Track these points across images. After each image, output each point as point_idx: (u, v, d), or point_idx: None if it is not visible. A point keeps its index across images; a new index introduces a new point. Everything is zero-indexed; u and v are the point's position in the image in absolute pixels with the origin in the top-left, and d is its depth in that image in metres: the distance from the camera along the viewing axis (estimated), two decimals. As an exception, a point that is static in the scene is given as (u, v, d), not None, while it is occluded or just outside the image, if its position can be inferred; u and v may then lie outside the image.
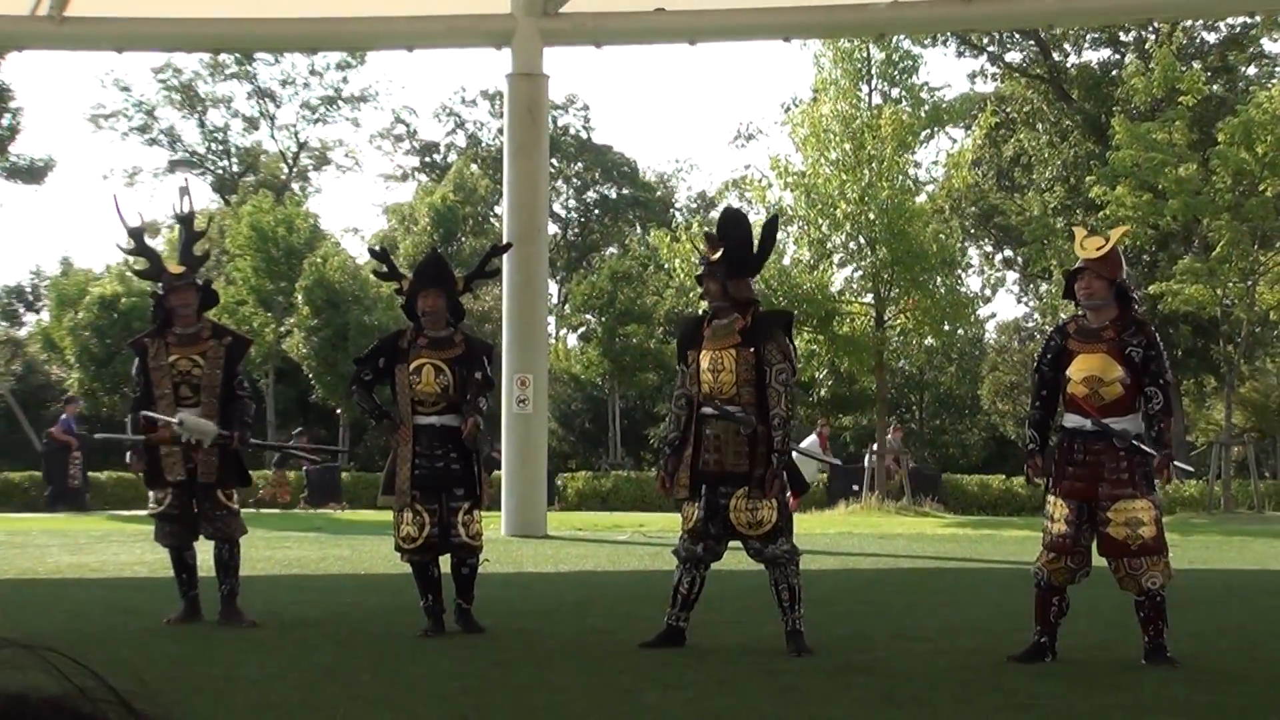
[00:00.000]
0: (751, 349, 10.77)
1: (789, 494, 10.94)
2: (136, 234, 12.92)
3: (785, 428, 10.70)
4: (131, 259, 13.44)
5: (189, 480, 12.21)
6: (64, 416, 36.32)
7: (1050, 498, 10.36)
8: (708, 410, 10.81)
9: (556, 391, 54.65)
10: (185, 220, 13.19)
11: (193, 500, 12.31)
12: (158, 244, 41.75)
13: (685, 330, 11.56)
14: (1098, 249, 10.28)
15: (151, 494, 12.60)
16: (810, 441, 35.80)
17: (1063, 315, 10.97)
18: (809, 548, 21.35)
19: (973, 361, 61.27)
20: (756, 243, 11.29)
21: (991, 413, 60.42)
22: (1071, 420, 10.29)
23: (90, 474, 36.48)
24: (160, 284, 12.63)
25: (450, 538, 11.71)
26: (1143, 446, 10.00)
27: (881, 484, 34.94)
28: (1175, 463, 10.89)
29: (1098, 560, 10.28)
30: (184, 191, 13.09)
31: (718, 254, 10.95)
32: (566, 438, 59.79)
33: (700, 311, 11.72)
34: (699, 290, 11.60)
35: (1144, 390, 10.10)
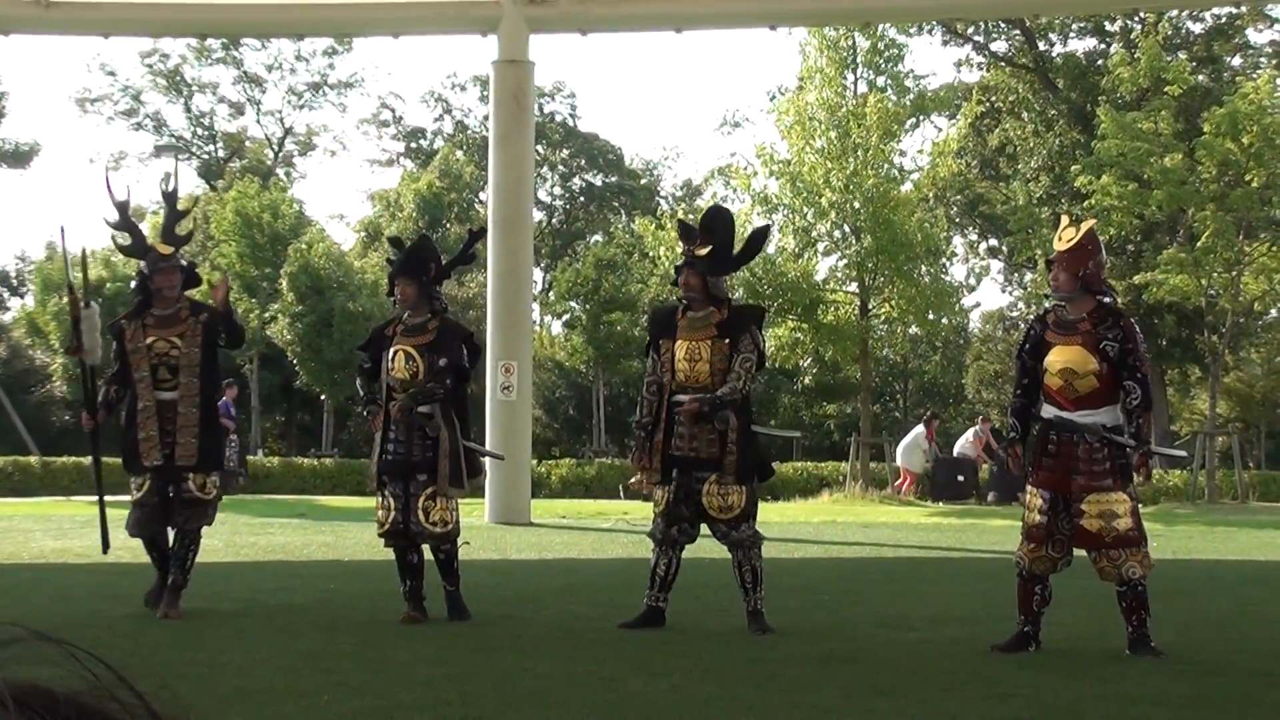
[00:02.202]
0: (727, 340, 11.17)
1: (758, 482, 11.27)
2: (123, 208, 12.80)
3: (735, 396, 11.05)
4: (116, 234, 13.28)
5: (165, 465, 11.98)
6: (223, 400, 36.00)
7: (1029, 487, 10.44)
8: (681, 398, 11.13)
9: (541, 379, 54.62)
10: (169, 198, 13.08)
11: (168, 485, 12.07)
12: (142, 228, 41.56)
13: (658, 319, 11.87)
14: (1067, 241, 10.34)
15: (132, 481, 12.32)
16: (917, 433, 35.82)
17: (1047, 304, 10.96)
18: (793, 536, 21.46)
19: (957, 350, 61.35)
20: (740, 245, 11.71)
21: (976, 402, 60.50)
22: (1048, 411, 10.35)
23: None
24: (145, 263, 12.43)
25: (410, 526, 11.76)
26: (1116, 438, 10.04)
27: (866, 474, 35.02)
28: (1166, 450, 10.98)
29: (1080, 550, 10.31)
30: (168, 174, 13.03)
31: (705, 250, 11.21)
32: (550, 425, 59.75)
33: (675, 302, 11.87)
34: (674, 280, 11.77)
35: (1122, 384, 10.13)
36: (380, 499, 11.87)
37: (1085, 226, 10.63)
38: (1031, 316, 11.11)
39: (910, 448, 35.44)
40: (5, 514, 25.54)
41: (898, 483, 34.95)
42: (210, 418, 12.30)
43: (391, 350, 11.88)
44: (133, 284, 12.92)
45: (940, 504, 32.60)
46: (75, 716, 1.19)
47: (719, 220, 11.83)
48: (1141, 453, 10.09)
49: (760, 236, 12.17)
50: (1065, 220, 10.89)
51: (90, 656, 1.23)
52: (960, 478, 34.15)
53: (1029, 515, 10.34)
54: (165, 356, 12.08)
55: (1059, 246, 10.39)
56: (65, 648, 1.22)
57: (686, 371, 11.14)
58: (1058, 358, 10.23)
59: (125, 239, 12.87)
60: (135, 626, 11.24)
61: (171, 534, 12.27)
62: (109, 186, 12.69)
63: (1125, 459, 10.11)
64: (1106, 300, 10.43)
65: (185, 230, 13.05)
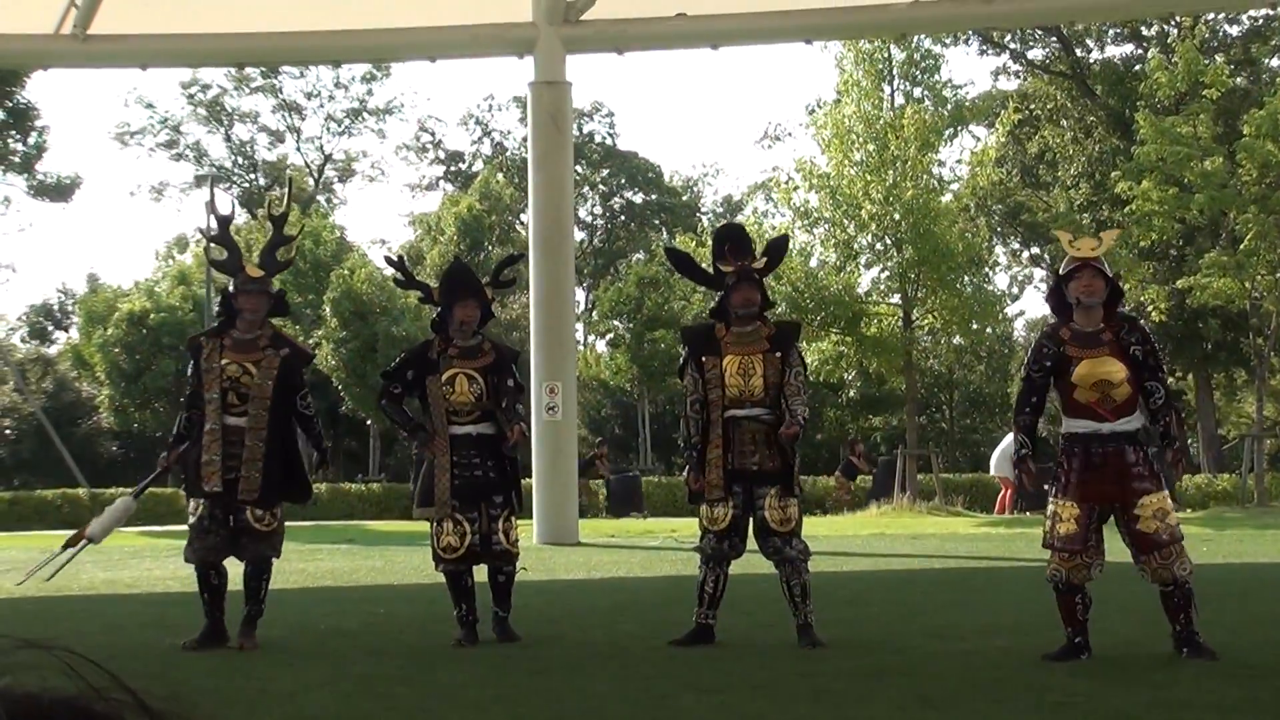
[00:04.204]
0: (778, 354, 11.22)
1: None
2: (224, 223, 12.60)
3: (802, 409, 11.17)
4: (213, 247, 12.92)
5: (225, 492, 11.52)
6: None
7: (1059, 500, 10.40)
8: (738, 413, 11.16)
9: (586, 398, 54.75)
10: (278, 220, 12.76)
11: (229, 515, 11.60)
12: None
13: (696, 336, 11.84)
14: (1092, 249, 10.37)
15: (190, 503, 11.96)
16: (1008, 442, 35.63)
17: (1051, 320, 11.03)
18: (842, 550, 21.41)
19: (1002, 360, 61.20)
20: (766, 257, 11.89)
21: (1022, 411, 60.29)
22: (1083, 426, 10.27)
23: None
24: (234, 282, 12.02)
25: (492, 545, 11.72)
26: (1161, 442, 10.17)
27: (913, 486, 34.92)
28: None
29: (1116, 555, 10.30)
30: (283, 194, 12.82)
31: (762, 261, 11.50)
32: (597, 444, 59.80)
33: (707, 319, 12.02)
34: (716, 296, 11.74)
35: (1144, 385, 10.18)
36: (452, 524, 11.63)
37: (1110, 237, 10.78)
38: (1037, 336, 11.07)
39: (1005, 456, 35.18)
40: (55, 546, 25.61)
41: (1002, 496, 34.53)
42: (280, 452, 11.76)
43: (448, 374, 11.77)
44: (217, 301, 12.72)
45: (1028, 514, 32.43)
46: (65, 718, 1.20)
47: (747, 235, 12.10)
48: (1176, 449, 10.21)
49: (781, 245, 12.36)
50: (1068, 235, 10.98)
51: (81, 659, 1.24)
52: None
53: (1060, 527, 10.29)
54: (236, 382, 11.65)
55: (1085, 254, 10.38)
56: (56, 655, 1.23)
57: (740, 386, 11.11)
58: (1088, 370, 10.18)
59: (220, 253, 12.53)
60: (185, 655, 11.24)
61: (233, 568, 11.93)
62: (213, 200, 12.61)
63: (1159, 459, 10.27)
64: (1120, 309, 10.64)
65: (285, 256, 12.71)
